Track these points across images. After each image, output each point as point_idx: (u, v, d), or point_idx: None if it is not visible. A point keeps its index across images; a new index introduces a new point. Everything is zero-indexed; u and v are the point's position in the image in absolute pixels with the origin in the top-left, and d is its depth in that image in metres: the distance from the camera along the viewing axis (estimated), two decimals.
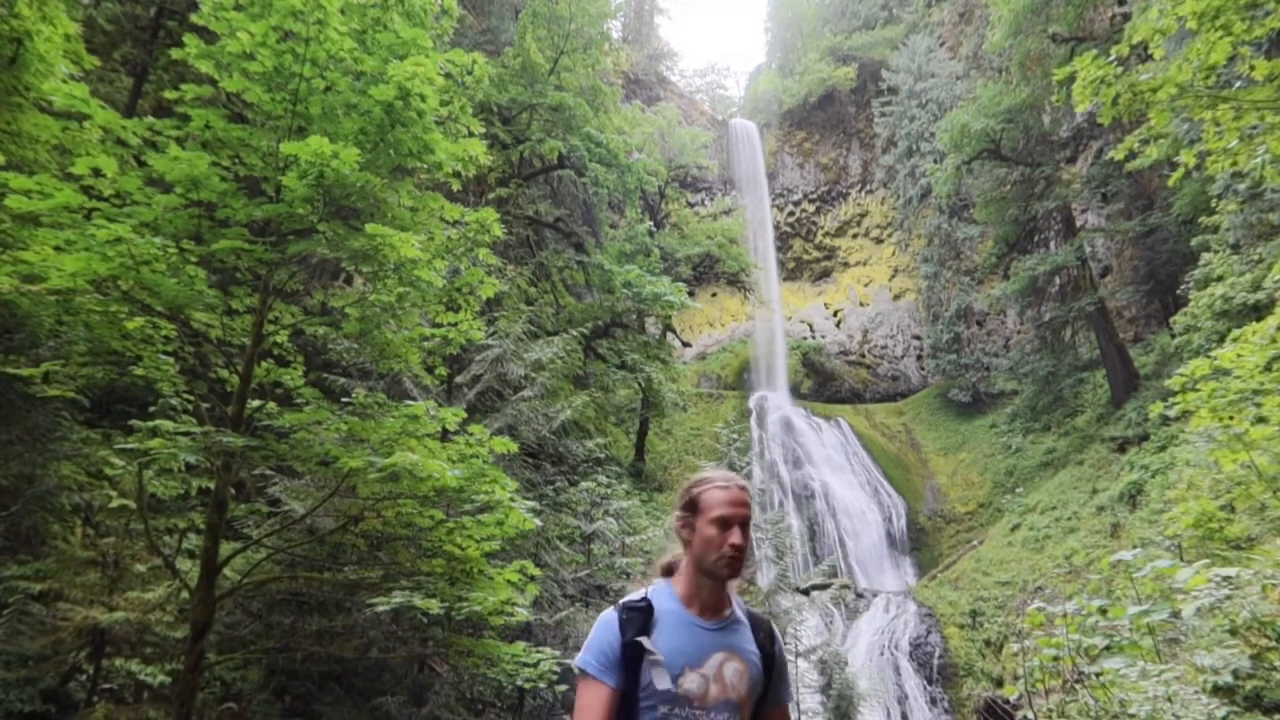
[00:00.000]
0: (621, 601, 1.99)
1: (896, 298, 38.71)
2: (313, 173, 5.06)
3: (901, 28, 39.55)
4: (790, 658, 12.61)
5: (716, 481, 1.98)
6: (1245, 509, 8.36)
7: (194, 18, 5.36)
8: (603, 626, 1.94)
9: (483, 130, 7.08)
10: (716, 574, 1.91)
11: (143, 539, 7.08)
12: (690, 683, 1.84)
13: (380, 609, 6.69)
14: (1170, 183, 7.44)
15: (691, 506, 1.98)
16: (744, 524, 1.92)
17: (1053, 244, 26.10)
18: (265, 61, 5.18)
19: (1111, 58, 5.82)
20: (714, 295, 38.94)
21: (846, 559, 23.05)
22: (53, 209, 4.87)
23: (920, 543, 24.90)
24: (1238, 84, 5.76)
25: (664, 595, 2.00)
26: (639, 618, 1.93)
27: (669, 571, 2.07)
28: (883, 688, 14.43)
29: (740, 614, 2.03)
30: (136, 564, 7.33)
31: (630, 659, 1.87)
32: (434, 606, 6.44)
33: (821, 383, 36.78)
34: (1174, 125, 5.94)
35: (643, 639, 1.87)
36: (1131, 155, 6.70)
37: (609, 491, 13.21)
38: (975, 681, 15.22)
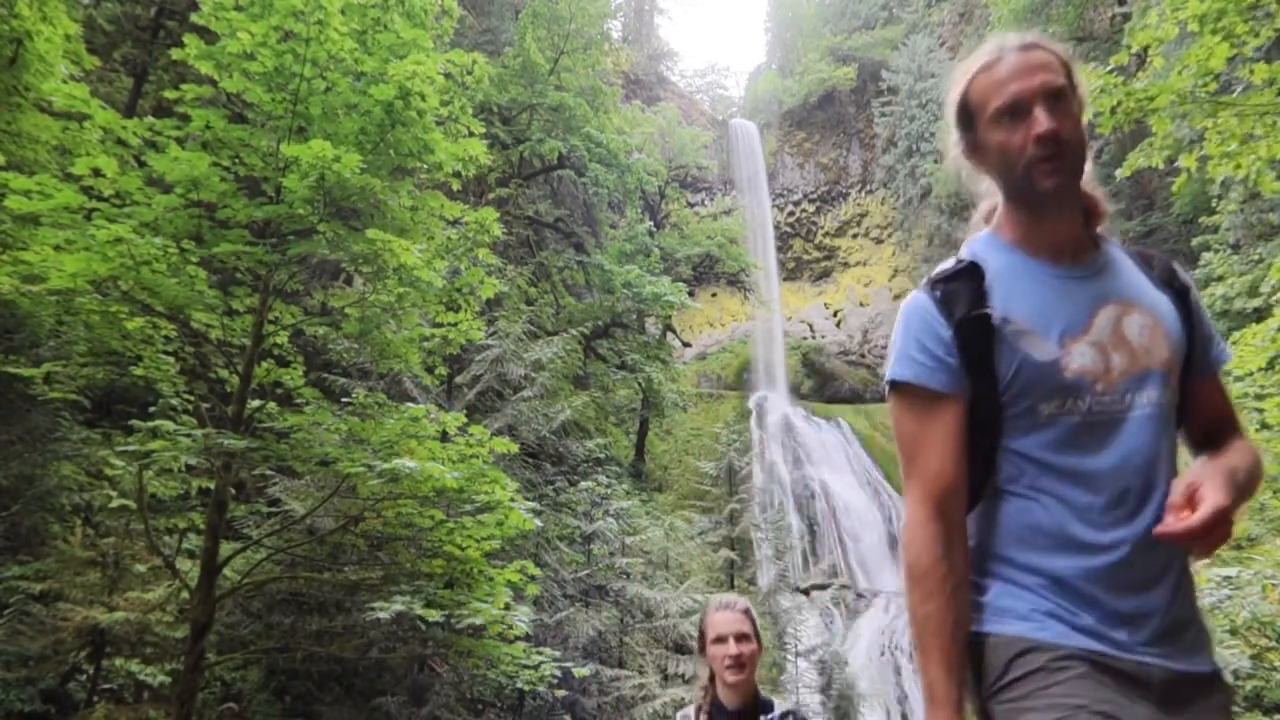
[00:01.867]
0: (928, 277, 1.34)
1: (897, 298, 38.70)
2: (314, 174, 5.06)
3: (901, 28, 39.56)
4: (789, 658, 12.62)
5: (983, 59, 1.29)
6: (1245, 509, 8.35)
7: (194, 18, 5.37)
8: (913, 313, 1.29)
9: (483, 130, 7.09)
10: (1036, 190, 1.23)
11: (143, 539, 7.08)
12: (1080, 359, 1.19)
13: (380, 614, 6.69)
14: (1175, 190, 7.43)
15: (965, 116, 1.31)
16: (1049, 97, 1.20)
17: None
18: (265, 62, 5.19)
19: (1110, 67, 5.80)
20: (714, 295, 38.91)
21: (847, 559, 23.03)
22: (53, 209, 4.88)
23: None
24: (1238, 89, 5.75)
25: (990, 246, 1.33)
26: (965, 288, 1.26)
27: (990, 221, 1.39)
28: (883, 688, 14.42)
29: (1112, 250, 1.33)
30: (136, 564, 7.34)
31: (974, 347, 1.22)
32: (434, 614, 6.43)
33: (821, 383, 36.77)
34: (1175, 129, 5.92)
35: (989, 310, 1.22)
36: None
37: (609, 491, 13.20)
38: None
